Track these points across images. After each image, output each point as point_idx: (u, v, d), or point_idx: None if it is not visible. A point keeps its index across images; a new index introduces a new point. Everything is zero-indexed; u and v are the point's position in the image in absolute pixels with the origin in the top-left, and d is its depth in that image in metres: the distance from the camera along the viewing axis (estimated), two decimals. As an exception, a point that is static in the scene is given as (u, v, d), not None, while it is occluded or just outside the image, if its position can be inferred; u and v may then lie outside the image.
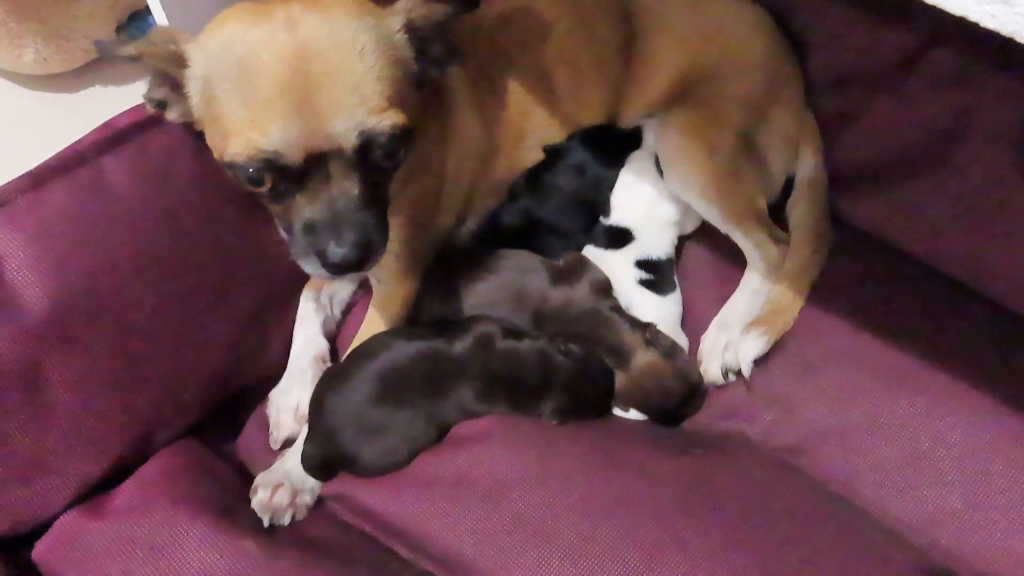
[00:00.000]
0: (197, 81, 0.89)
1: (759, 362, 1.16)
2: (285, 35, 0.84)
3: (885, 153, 1.28)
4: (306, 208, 0.88)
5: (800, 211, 1.29)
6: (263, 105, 0.83)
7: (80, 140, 1.07)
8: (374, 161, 0.88)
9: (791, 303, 1.19)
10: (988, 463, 1.02)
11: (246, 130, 0.84)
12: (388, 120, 0.86)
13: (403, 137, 0.89)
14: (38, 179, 1.00)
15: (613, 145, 1.25)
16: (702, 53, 1.26)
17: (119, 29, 1.69)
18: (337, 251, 0.87)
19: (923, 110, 1.23)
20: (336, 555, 1.00)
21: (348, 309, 1.31)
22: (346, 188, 0.87)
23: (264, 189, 0.88)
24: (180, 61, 0.89)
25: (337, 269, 0.89)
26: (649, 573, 0.93)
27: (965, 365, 1.08)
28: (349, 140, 0.85)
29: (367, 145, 0.86)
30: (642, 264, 1.22)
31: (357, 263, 0.89)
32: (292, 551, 0.98)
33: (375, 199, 0.91)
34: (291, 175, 0.86)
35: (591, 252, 1.24)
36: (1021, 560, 0.98)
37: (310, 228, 0.89)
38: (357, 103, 0.84)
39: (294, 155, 0.84)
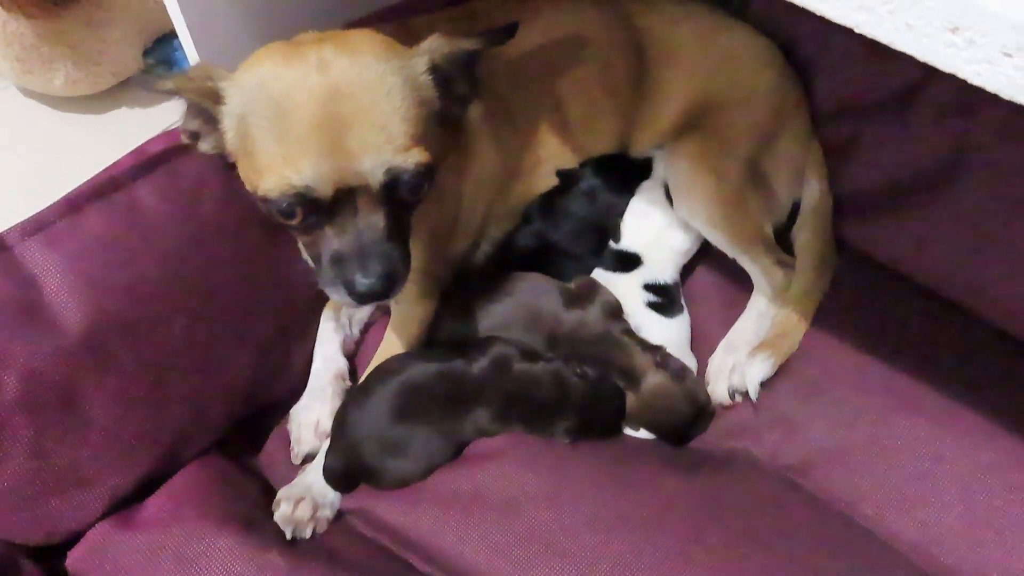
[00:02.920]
0: (232, 117, 0.93)
1: (765, 383, 1.20)
2: (317, 76, 0.88)
3: (888, 181, 1.32)
4: (334, 240, 0.93)
5: (805, 236, 1.32)
6: (296, 143, 0.87)
7: (114, 165, 1.11)
8: (399, 196, 0.93)
9: (796, 326, 1.23)
10: (986, 483, 1.06)
11: (280, 166, 0.88)
12: (413, 159, 0.90)
13: (427, 174, 0.93)
14: (75, 204, 1.04)
15: (624, 172, 1.29)
16: (711, 84, 1.30)
17: (146, 53, 1.74)
18: (364, 281, 0.91)
19: (924, 140, 1.27)
20: (356, 567, 1.03)
21: (367, 328, 1.34)
22: (373, 221, 0.92)
23: (295, 222, 0.93)
24: (216, 97, 0.93)
25: (363, 299, 0.94)
26: (657, 587, 0.97)
27: (964, 387, 1.12)
28: (376, 177, 0.89)
29: (393, 182, 0.90)
30: (650, 287, 1.25)
31: (382, 293, 0.93)
32: (315, 563, 1.01)
33: (399, 231, 0.95)
34: (321, 209, 0.91)
35: (600, 275, 1.28)
36: (1018, 579, 1.01)
37: (338, 259, 0.93)
38: (384, 142, 0.89)
39: (324, 190, 0.88)
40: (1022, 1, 0.49)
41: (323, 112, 0.87)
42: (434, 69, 0.96)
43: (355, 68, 0.89)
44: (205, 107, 0.95)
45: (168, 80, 0.95)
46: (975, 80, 0.53)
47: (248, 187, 0.95)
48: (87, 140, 1.69)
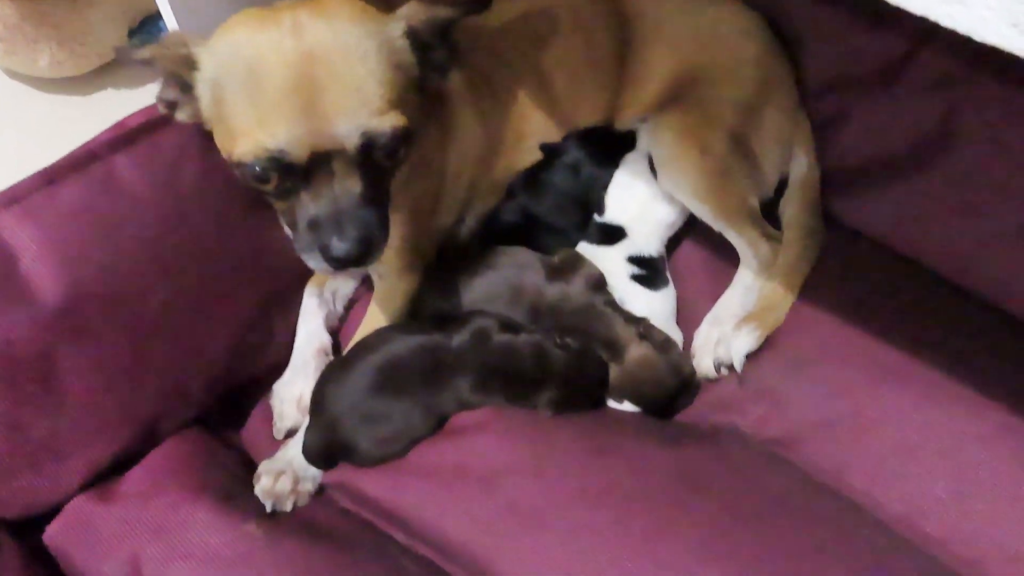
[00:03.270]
0: (207, 83, 0.92)
1: (751, 357, 1.18)
2: (291, 40, 0.87)
3: (875, 154, 1.31)
4: (310, 205, 0.92)
5: (792, 210, 1.31)
6: (270, 107, 0.86)
7: (93, 139, 1.10)
8: (376, 160, 0.92)
9: (782, 299, 1.22)
10: (973, 454, 1.04)
11: (253, 130, 0.87)
12: (389, 121, 0.89)
13: (403, 138, 0.92)
14: (51, 176, 1.04)
15: (607, 145, 1.28)
16: (696, 57, 1.29)
17: (131, 33, 1.73)
18: (340, 246, 0.90)
19: (912, 112, 1.25)
20: (336, 540, 1.03)
21: (351, 304, 1.34)
22: (349, 186, 0.91)
23: (270, 187, 0.92)
24: (191, 64, 0.92)
25: (339, 263, 0.93)
26: (639, 559, 0.96)
27: (951, 359, 1.10)
28: (351, 140, 0.88)
29: (369, 145, 0.89)
30: (634, 260, 1.24)
31: (358, 258, 0.92)
32: (293, 535, 1.01)
33: (377, 197, 0.94)
34: (296, 173, 0.90)
35: (585, 248, 1.27)
36: (1005, 548, 1.00)
37: (314, 224, 0.92)
38: (359, 105, 0.88)
39: (299, 154, 0.88)
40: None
41: (297, 76, 0.86)
42: (411, 35, 0.95)
43: (330, 32, 0.89)
44: (180, 74, 0.95)
45: (144, 49, 0.95)
46: (947, 22, 0.52)
47: (224, 154, 0.94)
48: (73, 121, 1.67)
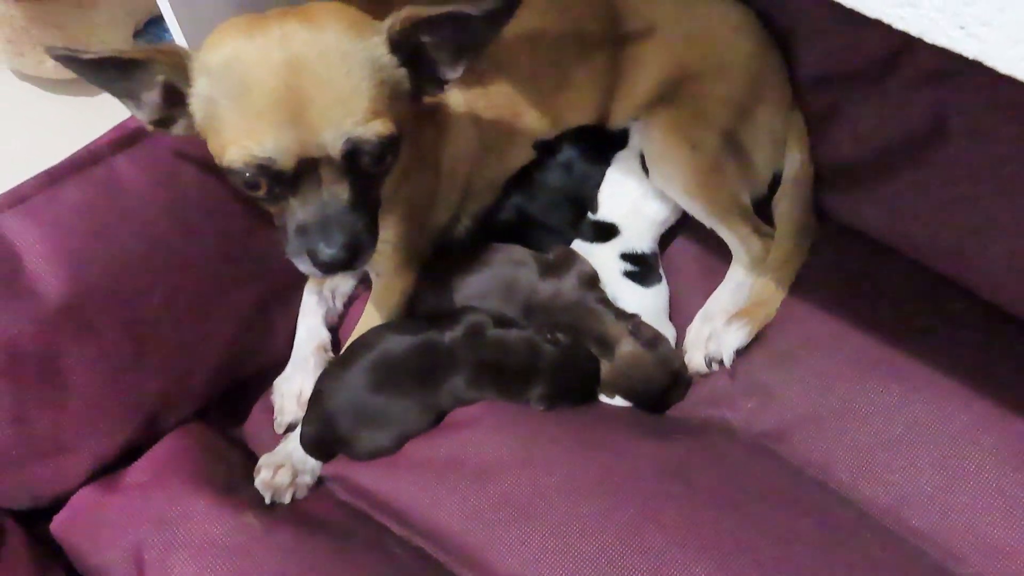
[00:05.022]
0: (199, 98, 0.93)
1: (741, 352, 1.20)
2: (279, 51, 0.89)
3: (867, 150, 1.31)
4: (299, 211, 0.94)
5: (785, 206, 1.33)
6: (258, 116, 0.88)
7: (95, 141, 1.13)
8: (362, 167, 0.94)
9: (773, 295, 1.24)
10: (958, 448, 1.05)
11: (243, 138, 0.89)
12: (374, 129, 0.90)
13: (389, 145, 0.93)
14: (54, 177, 1.07)
15: (600, 143, 1.30)
16: (688, 54, 1.30)
17: (137, 35, 1.77)
18: (327, 251, 0.93)
19: (903, 108, 1.26)
20: (332, 530, 1.06)
21: (350, 302, 1.37)
22: (336, 192, 0.93)
23: (260, 193, 0.94)
24: (185, 76, 0.93)
25: (327, 268, 0.95)
26: (626, 549, 0.98)
27: (938, 354, 1.11)
28: (337, 148, 0.90)
29: (354, 152, 0.91)
30: (627, 257, 1.26)
31: (345, 263, 0.94)
32: (290, 525, 1.04)
33: (365, 202, 0.96)
34: (284, 180, 0.92)
35: (579, 245, 1.29)
36: (988, 541, 1.01)
37: (302, 229, 0.94)
38: (344, 115, 0.89)
39: (287, 162, 0.90)
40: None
41: (284, 86, 0.88)
42: (394, 45, 0.94)
43: (316, 42, 0.90)
44: (175, 84, 0.95)
45: (141, 50, 0.96)
46: (899, 24, 0.54)
47: (216, 160, 0.96)
48: (79, 122, 1.70)
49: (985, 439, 1.06)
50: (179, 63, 0.93)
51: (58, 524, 1.07)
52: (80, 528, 1.06)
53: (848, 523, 1.06)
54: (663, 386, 1.18)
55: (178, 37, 1.26)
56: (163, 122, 1.00)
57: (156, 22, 1.78)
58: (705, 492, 1.05)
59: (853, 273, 1.26)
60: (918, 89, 1.25)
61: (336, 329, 1.34)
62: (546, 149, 1.30)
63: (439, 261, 1.29)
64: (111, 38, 1.70)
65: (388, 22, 0.94)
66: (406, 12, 0.93)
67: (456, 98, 1.22)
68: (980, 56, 0.52)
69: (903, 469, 1.07)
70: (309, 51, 0.89)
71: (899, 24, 0.54)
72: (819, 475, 1.11)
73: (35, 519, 1.07)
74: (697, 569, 0.95)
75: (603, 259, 1.26)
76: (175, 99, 0.96)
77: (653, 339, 1.18)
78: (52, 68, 1.68)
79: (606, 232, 1.28)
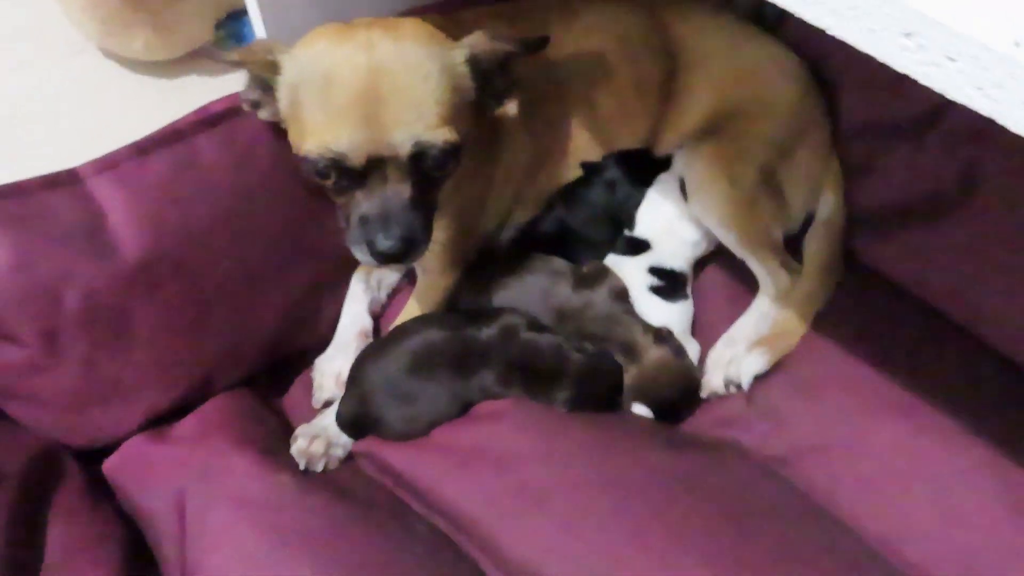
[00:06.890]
0: (286, 87, 1.04)
1: (759, 378, 1.26)
2: (363, 55, 0.98)
3: (900, 200, 1.37)
4: (363, 203, 1.03)
5: (815, 246, 1.38)
6: (337, 113, 0.98)
7: (179, 120, 1.22)
8: (425, 170, 1.03)
9: (795, 328, 1.29)
10: (958, 487, 1.10)
11: (321, 132, 0.99)
12: (441, 136, 1.00)
13: (453, 152, 1.02)
14: (142, 149, 1.16)
15: (644, 167, 1.37)
16: (736, 92, 1.37)
17: (218, 26, 1.87)
18: (384, 242, 1.01)
19: (938, 164, 1.32)
20: (359, 500, 1.13)
21: (393, 293, 1.44)
22: (399, 190, 1.02)
23: (330, 183, 1.03)
24: (274, 68, 1.04)
25: (382, 258, 1.04)
26: (632, 546, 1.03)
27: (947, 397, 1.16)
28: (405, 149, 0.99)
29: (420, 155, 1.00)
30: (655, 271, 1.32)
31: (400, 255, 1.03)
32: (321, 490, 1.11)
33: (424, 203, 1.05)
34: (353, 174, 1.01)
35: (609, 258, 1.35)
36: (981, 579, 1.06)
37: (364, 221, 1.03)
38: (415, 119, 0.98)
39: (358, 157, 0.99)
40: (963, 14, 0.56)
41: (364, 87, 0.97)
42: (472, 62, 1.05)
43: (397, 51, 1.00)
44: (264, 77, 1.06)
45: (233, 52, 1.08)
46: (924, 80, 0.61)
47: (294, 148, 1.06)
48: (159, 102, 1.82)
49: (983, 482, 1.10)
50: (267, 60, 1.03)
51: (110, 465, 1.16)
52: (129, 472, 1.15)
53: (848, 550, 1.10)
54: (684, 392, 1.24)
55: (260, 32, 1.36)
56: (256, 104, 1.10)
57: (236, 16, 1.88)
58: (710, 501, 1.10)
59: (873, 314, 1.31)
60: (952, 148, 1.30)
61: (378, 318, 1.41)
62: (592, 168, 1.37)
63: (481, 264, 1.36)
64: (195, 26, 1.81)
65: (473, 39, 1.04)
66: (487, 40, 1.04)
67: (515, 118, 1.30)
68: (993, 115, 0.58)
69: (903, 503, 1.12)
70: (390, 58, 0.99)
71: (924, 80, 0.60)
72: (822, 500, 1.16)
73: (91, 459, 1.16)
74: (696, 572, 1.01)
75: (631, 271, 1.32)
76: (266, 87, 1.06)
77: (680, 349, 1.24)
78: (139, 49, 1.79)
79: (638, 247, 1.34)
